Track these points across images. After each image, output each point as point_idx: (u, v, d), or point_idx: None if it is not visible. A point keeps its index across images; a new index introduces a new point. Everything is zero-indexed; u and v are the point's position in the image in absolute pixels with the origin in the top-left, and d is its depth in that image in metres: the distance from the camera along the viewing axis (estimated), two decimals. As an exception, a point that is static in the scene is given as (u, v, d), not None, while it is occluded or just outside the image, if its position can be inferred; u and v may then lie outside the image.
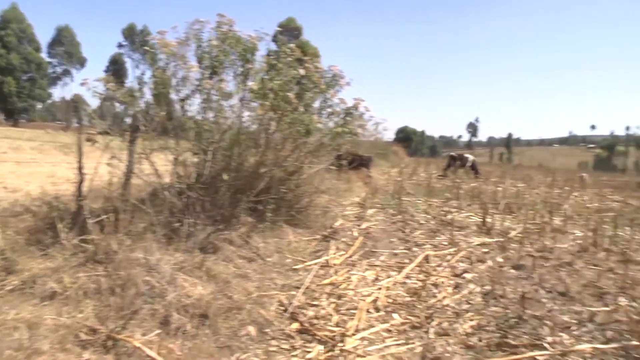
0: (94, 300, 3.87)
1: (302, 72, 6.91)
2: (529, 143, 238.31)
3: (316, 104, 7.78)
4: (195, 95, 6.63)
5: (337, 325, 4.11)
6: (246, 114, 7.11)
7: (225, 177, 6.21)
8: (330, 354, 3.61)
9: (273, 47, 7.45)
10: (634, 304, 4.75)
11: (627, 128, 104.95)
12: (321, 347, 3.70)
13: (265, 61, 6.87)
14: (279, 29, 13.70)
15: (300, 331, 3.99)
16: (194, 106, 6.74)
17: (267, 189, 6.95)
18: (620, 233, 8.44)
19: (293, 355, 3.61)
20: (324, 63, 8.19)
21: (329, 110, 7.75)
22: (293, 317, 4.24)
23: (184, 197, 5.91)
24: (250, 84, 6.66)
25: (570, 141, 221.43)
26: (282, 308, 4.43)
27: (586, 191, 17.66)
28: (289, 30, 38.50)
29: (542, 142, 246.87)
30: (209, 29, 6.54)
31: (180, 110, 6.70)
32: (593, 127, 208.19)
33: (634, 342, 3.79)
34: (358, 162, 14.30)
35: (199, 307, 3.96)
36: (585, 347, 3.73)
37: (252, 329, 3.90)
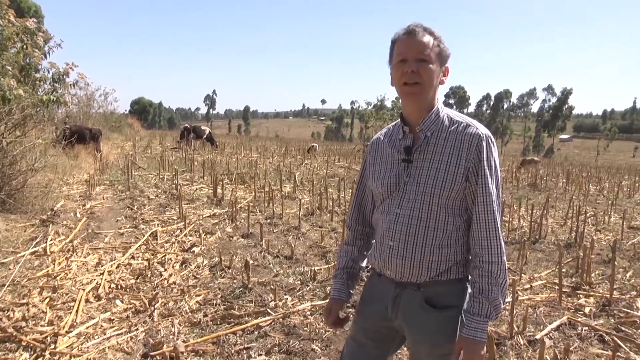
0: None
1: None
2: (266, 115, 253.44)
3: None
4: None
5: (50, 323, 3.62)
6: None
7: None
8: (38, 361, 3.13)
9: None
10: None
11: (352, 102, 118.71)
12: (27, 355, 3.18)
13: None
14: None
15: (2, 340, 3.37)
16: None
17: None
18: (343, 195, 9.47)
19: (-11, 374, 3.03)
20: (49, 24, 7.06)
21: (38, 75, 6.71)
22: (-8, 324, 3.57)
23: None
24: None
25: (304, 114, 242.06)
26: (-23, 315, 3.70)
27: (316, 159, 19.42)
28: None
29: (278, 115, 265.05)
30: None
31: None
32: (324, 101, 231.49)
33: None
34: (84, 136, 13.00)
35: None
36: (306, 305, 4.04)
37: None
